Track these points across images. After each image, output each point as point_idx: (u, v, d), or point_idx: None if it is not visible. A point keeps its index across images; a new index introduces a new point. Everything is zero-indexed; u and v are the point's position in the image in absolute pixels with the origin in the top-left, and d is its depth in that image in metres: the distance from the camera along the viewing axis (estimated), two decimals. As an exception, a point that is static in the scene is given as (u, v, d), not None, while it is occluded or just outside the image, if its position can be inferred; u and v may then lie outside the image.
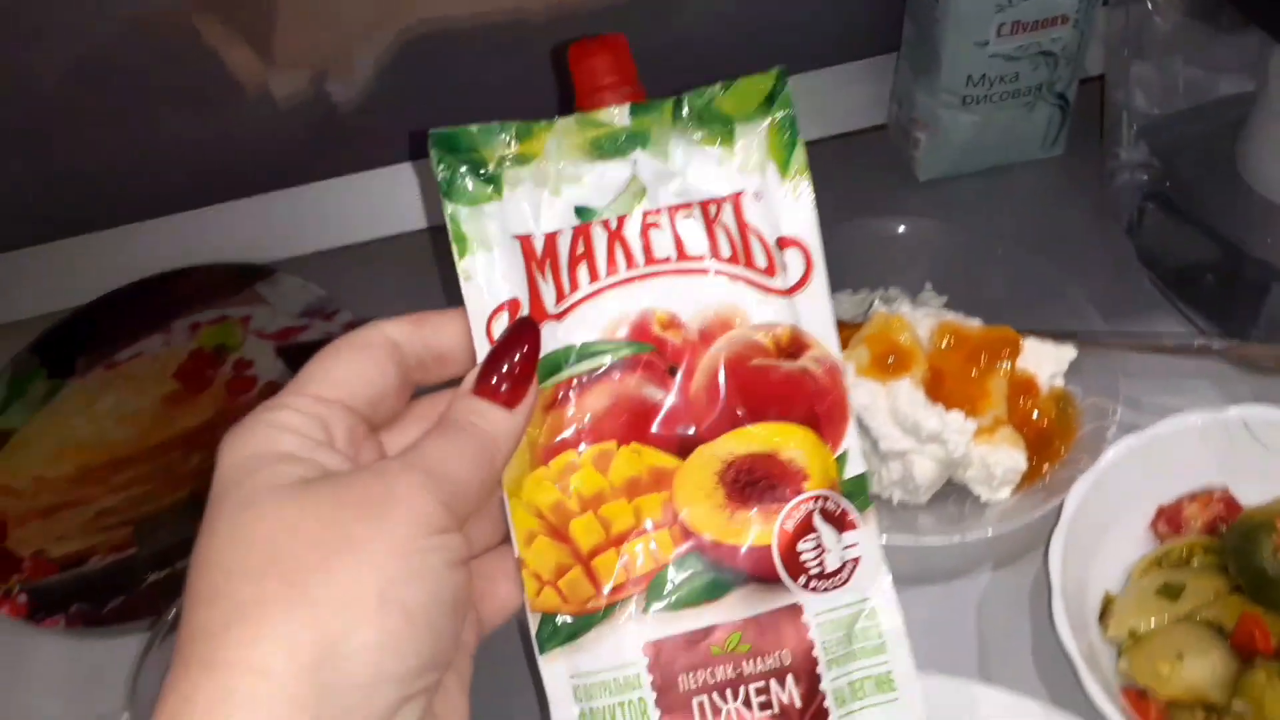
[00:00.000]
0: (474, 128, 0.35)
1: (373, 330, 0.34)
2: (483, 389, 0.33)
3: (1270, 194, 0.60)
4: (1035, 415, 0.57)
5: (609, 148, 0.36)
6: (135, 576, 0.61)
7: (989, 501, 0.55)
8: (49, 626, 0.60)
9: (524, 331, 0.34)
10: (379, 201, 0.77)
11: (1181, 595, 0.50)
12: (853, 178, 0.76)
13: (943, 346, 0.56)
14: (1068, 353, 0.58)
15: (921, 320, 0.57)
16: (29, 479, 0.66)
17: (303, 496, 0.29)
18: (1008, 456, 0.54)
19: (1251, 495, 0.54)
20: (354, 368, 0.33)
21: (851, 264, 0.64)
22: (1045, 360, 0.57)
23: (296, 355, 0.70)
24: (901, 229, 0.66)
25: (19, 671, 0.60)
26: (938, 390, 0.55)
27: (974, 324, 0.58)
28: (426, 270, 0.74)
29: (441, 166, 0.35)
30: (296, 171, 0.76)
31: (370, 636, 0.27)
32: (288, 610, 0.27)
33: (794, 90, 0.36)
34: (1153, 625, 0.50)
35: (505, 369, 0.33)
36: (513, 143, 0.35)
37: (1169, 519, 0.54)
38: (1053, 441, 0.56)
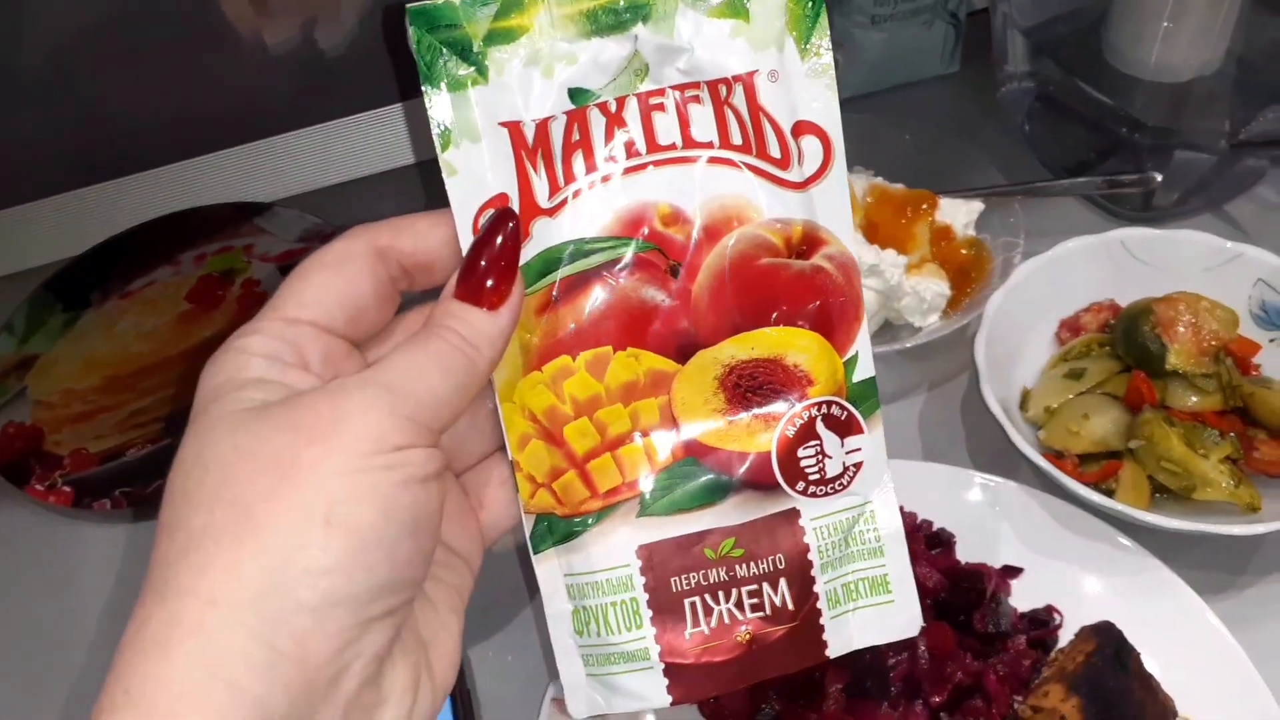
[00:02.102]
0: (456, 0, 0.32)
1: (349, 242, 0.32)
2: (463, 291, 0.31)
3: (1129, 70, 0.72)
4: (953, 256, 0.67)
5: (607, 21, 0.32)
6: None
7: (921, 327, 0.66)
8: (98, 510, 0.65)
9: (502, 226, 0.32)
10: (366, 143, 0.85)
11: (1083, 376, 0.61)
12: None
13: (873, 201, 0.67)
14: (976, 206, 0.68)
15: (856, 182, 0.67)
16: (59, 393, 0.72)
17: (257, 421, 0.28)
18: (935, 284, 0.64)
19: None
20: (327, 285, 0.31)
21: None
22: (958, 213, 0.68)
23: (299, 273, 0.77)
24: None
25: (66, 559, 0.66)
26: (872, 236, 0.65)
27: (898, 187, 0.68)
28: (416, 202, 0.82)
29: (421, 48, 0.32)
30: (287, 118, 0.83)
31: (316, 560, 0.27)
32: (235, 538, 0.27)
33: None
34: (1063, 401, 0.60)
35: (484, 268, 0.31)
36: (500, 15, 0.32)
37: (1069, 327, 0.65)
38: (970, 274, 0.67)
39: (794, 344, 0.34)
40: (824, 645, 0.35)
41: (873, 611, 0.36)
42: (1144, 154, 0.72)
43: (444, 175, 0.32)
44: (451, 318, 0.31)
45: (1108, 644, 0.51)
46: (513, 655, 0.57)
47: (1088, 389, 0.60)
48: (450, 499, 0.35)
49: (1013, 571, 0.56)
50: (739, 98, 0.33)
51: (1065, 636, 0.54)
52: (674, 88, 0.33)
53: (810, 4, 0.33)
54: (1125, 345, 0.60)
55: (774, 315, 0.34)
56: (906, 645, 0.51)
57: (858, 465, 0.35)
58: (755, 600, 0.34)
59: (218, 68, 0.80)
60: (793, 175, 0.34)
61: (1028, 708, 0.49)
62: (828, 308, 0.34)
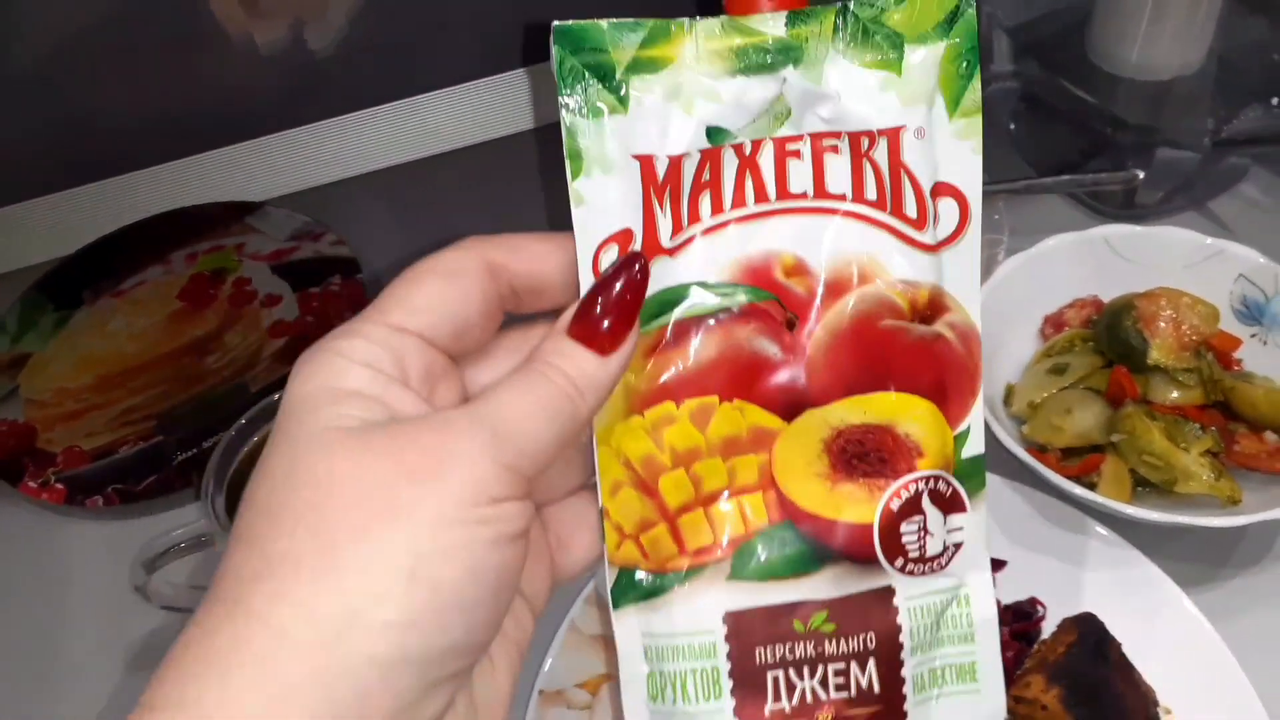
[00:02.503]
0: (604, 23, 0.30)
1: (463, 254, 0.30)
2: (577, 330, 0.30)
3: (1112, 69, 0.73)
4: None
5: (756, 61, 0.31)
6: (164, 459, 0.68)
7: (907, 324, 0.66)
8: (90, 506, 0.66)
9: (630, 269, 0.30)
10: (357, 142, 0.85)
11: (1066, 371, 0.61)
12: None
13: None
14: (961, 204, 0.69)
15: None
16: (51, 391, 0.72)
17: (358, 446, 0.27)
18: (919, 281, 0.65)
19: (1116, 299, 0.65)
20: (438, 296, 0.30)
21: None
22: (943, 211, 0.68)
23: (291, 272, 0.78)
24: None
25: (59, 555, 0.66)
26: (858, 233, 0.66)
27: (883, 185, 0.69)
28: (408, 200, 0.83)
29: (562, 69, 0.30)
30: (278, 117, 0.84)
31: (395, 614, 0.25)
32: (315, 574, 0.26)
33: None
34: (1046, 396, 0.61)
35: (604, 310, 0.30)
36: (647, 44, 0.31)
37: (1053, 323, 0.65)
38: (955, 271, 0.67)
39: (908, 412, 0.33)
40: None
41: (957, 700, 0.34)
42: (1128, 152, 0.73)
43: (571, 203, 0.31)
44: (560, 356, 0.30)
45: (1089, 635, 0.51)
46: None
47: (1070, 384, 0.61)
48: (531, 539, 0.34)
49: (997, 564, 0.57)
50: (881, 152, 0.32)
51: (1049, 629, 0.55)
52: (812, 135, 0.32)
53: (965, 64, 0.32)
54: (1108, 341, 0.61)
55: (890, 380, 0.33)
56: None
57: (958, 545, 0.34)
58: (840, 680, 0.33)
59: (208, 67, 0.80)
60: (926, 237, 0.32)
61: (1010, 698, 0.50)
62: (945, 378, 0.33)
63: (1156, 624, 0.53)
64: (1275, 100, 0.68)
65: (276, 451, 0.28)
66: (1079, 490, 0.54)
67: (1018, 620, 0.55)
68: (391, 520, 0.26)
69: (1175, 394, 0.59)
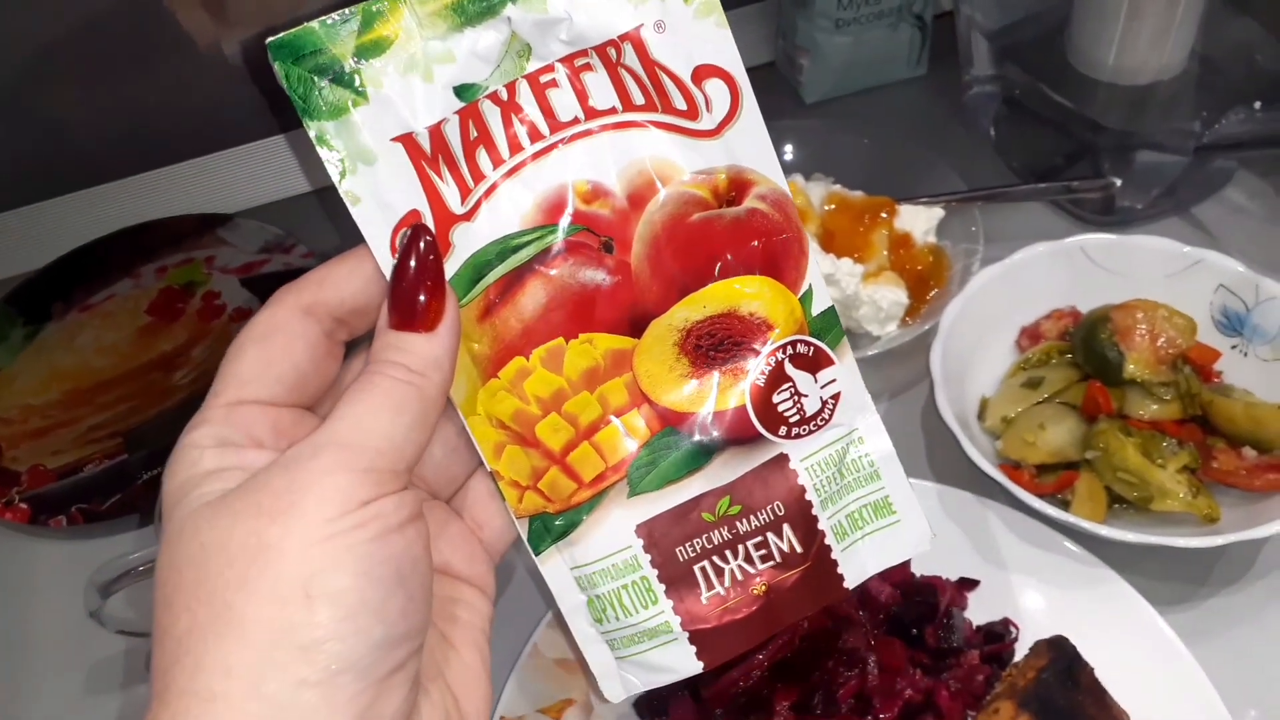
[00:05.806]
0: (315, 24, 0.29)
1: (274, 310, 0.31)
2: (396, 320, 0.30)
3: (1092, 73, 0.71)
4: (912, 263, 0.66)
5: (475, 9, 0.30)
6: (129, 477, 0.67)
7: (880, 336, 0.65)
8: (53, 527, 0.65)
9: (417, 244, 0.30)
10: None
11: (1041, 385, 0.60)
12: (748, 107, 0.85)
13: (831, 209, 0.66)
14: (936, 213, 0.68)
15: (813, 190, 0.67)
16: (18, 408, 0.71)
17: (220, 514, 0.28)
18: (892, 293, 0.64)
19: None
20: (260, 360, 0.31)
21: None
22: (918, 220, 0.67)
23: (260, 285, 0.77)
24: (790, 131, 0.77)
25: (22, 576, 0.65)
26: (829, 245, 0.65)
27: (857, 195, 0.68)
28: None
29: (291, 82, 0.29)
30: (248, 129, 0.83)
31: (305, 635, 0.27)
32: (218, 635, 0.27)
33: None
34: (1020, 411, 0.60)
35: (411, 291, 0.30)
36: (365, 29, 0.30)
37: (1030, 335, 0.64)
38: (928, 282, 0.66)
39: (744, 293, 0.34)
40: (840, 579, 0.36)
41: (881, 535, 0.36)
42: (1109, 157, 0.72)
43: (349, 206, 0.31)
44: (391, 350, 0.30)
45: (1060, 659, 0.50)
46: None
47: (1045, 398, 0.59)
48: (449, 529, 0.35)
49: (969, 584, 0.56)
50: (630, 57, 0.31)
51: (1022, 649, 0.53)
52: (562, 61, 0.31)
53: None
54: (1083, 354, 0.60)
55: (717, 268, 0.33)
56: (856, 661, 0.51)
57: (835, 396, 0.35)
58: (763, 551, 0.35)
59: (179, 79, 0.79)
60: (704, 124, 0.32)
61: (979, 725, 0.49)
62: (771, 248, 0.34)
63: (1130, 646, 0.52)
64: (1259, 104, 0.66)
65: (161, 550, 0.29)
66: (1051, 510, 0.53)
67: (990, 642, 0.54)
68: (265, 560, 0.27)
69: (1152, 408, 0.58)
